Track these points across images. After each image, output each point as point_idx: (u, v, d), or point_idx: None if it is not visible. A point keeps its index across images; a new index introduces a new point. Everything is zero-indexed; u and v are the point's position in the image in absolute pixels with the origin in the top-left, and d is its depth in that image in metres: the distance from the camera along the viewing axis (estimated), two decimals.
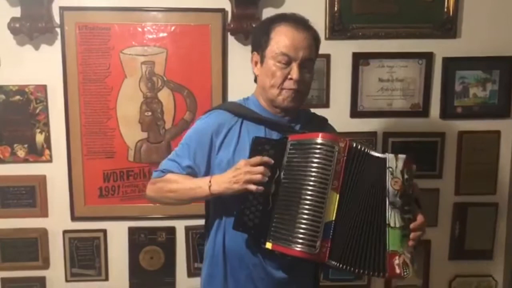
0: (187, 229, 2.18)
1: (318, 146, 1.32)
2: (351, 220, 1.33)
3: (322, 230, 1.30)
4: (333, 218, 1.32)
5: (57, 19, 2.02)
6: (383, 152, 1.45)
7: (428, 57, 2.14)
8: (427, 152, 2.20)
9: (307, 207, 1.31)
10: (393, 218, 1.33)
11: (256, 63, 1.52)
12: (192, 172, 1.51)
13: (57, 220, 2.15)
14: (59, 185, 2.11)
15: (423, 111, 2.18)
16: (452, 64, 2.15)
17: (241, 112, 1.52)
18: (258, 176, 1.34)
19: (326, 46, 2.09)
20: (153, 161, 2.09)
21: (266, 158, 1.37)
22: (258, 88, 1.54)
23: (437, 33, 2.13)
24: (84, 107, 2.07)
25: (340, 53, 2.12)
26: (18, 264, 2.15)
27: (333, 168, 1.32)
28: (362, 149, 1.35)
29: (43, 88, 2.06)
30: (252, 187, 1.34)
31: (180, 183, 1.48)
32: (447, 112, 2.18)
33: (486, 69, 2.17)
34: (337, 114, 2.14)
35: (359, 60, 2.12)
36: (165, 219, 2.17)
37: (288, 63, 1.43)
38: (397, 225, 1.33)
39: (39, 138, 2.09)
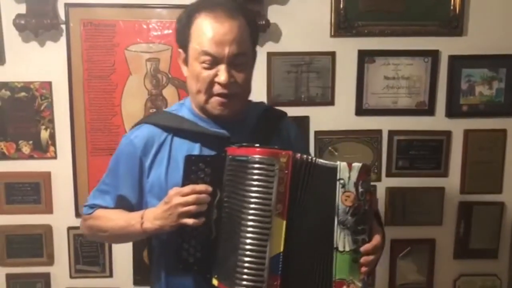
0: None
1: (256, 166, 1.12)
2: (302, 248, 1.15)
3: (268, 266, 1.11)
4: (281, 250, 1.13)
5: (62, 15, 2.02)
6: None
7: (434, 55, 2.12)
8: (433, 150, 2.19)
9: (248, 241, 1.11)
10: (342, 240, 1.13)
11: (183, 62, 1.30)
12: (124, 203, 1.32)
13: (61, 217, 2.15)
14: (63, 181, 2.12)
15: (428, 109, 2.17)
16: (458, 62, 2.14)
17: (171, 125, 1.30)
18: (192, 208, 1.14)
19: (331, 44, 2.10)
20: None
21: (199, 186, 1.16)
22: (189, 93, 1.33)
23: (443, 30, 2.11)
24: (89, 104, 2.07)
25: (345, 50, 2.11)
26: (23, 260, 2.16)
27: (275, 190, 1.11)
28: (309, 160, 1.16)
29: (48, 84, 2.07)
30: (188, 221, 1.15)
31: (110, 221, 1.30)
32: (452, 111, 2.17)
33: (492, 67, 2.15)
34: (342, 112, 2.14)
35: (365, 57, 2.11)
36: None
37: (213, 64, 1.21)
38: (347, 249, 1.14)
39: (44, 134, 2.09)
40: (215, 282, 1.19)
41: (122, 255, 2.19)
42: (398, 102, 2.16)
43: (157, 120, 1.33)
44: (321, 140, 2.14)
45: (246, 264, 1.11)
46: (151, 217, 1.22)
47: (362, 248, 1.15)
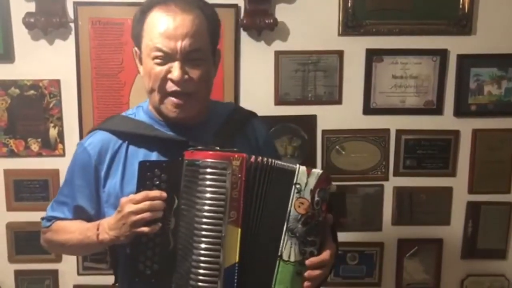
0: None
1: (208, 170, 1.05)
2: (257, 257, 1.08)
3: (222, 278, 1.05)
4: (237, 260, 1.06)
5: (71, 14, 2.03)
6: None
7: (442, 54, 2.11)
8: (441, 150, 2.17)
9: (202, 251, 1.05)
10: (288, 249, 1.06)
11: (139, 61, 1.23)
12: (82, 214, 1.26)
13: None
14: None
15: (436, 109, 2.15)
16: (466, 61, 2.12)
17: (125, 131, 1.23)
18: (146, 215, 1.07)
19: (339, 42, 2.09)
20: None
21: (152, 193, 1.09)
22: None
23: (451, 29, 2.10)
24: (97, 102, 2.08)
25: (353, 49, 2.10)
26: (31, 257, 2.17)
27: (228, 196, 1.04)
28: (265, 162, 1.09)
29: (57, 82, 2.08)
30: (143, 229, 1.08)
31: (67, 234, 1.25)
32: (461, 110, 2.15)
33: (501, 67, 2.13)
34: (350, 111, 2.13)
35: (373, 56, 2.10)
36: None
37: (166, 60, 1.14)
38: (292, 259, 1.06)
39: (53, 132, 2.11)
40: None
41: None
42: (406, 101, 2.15)
43: (111, 126, 1.26)
44: (329, 139, 2.14)
45: (200, 277, 1.05)
46: (106, 228, 1.15)
47: (308, 261, 1.08)
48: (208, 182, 1.05)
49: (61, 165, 2.12)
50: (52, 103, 2.09)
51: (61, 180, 2.11)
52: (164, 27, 1.12)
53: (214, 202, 1.05)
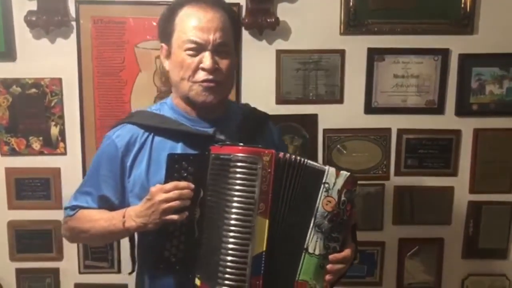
0: None
1: (238, 164, 1.12)
2: (283, 247, 1.15)
3: (250, 266, 1.11)
4: (264, 249, 1.12)
5: (72, 12, 2.03)
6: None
7: (444, 53, 2.11)
8: (442, 149, 2.17)
9: (231, 240, 1.11)
10: (313, 242, 1.14)
11: (165, 56, 1.33)
12: (106, 204, 1.32)
13: None
14: (73, 177, 2.12)
15: (438, 108, 2.15)
16: (468, 61, 2.12)
17: (152, 124, 1.30)
18: (175, 203, 1.14)
19: (340, 41, 2.09)
20: None
21: (181, 183, 1.16)
22: (172, 86, 1.35)
23: (453, 29, 2.10)
24: (98, 100, 2.08)
25: (355, 48, 2.10)
26: (33, 255, 2.18)
27: (257, 189, 1.11)
28: (294, 160, 1.16)
29: (59, 81, 2.08)
30: (172, 217, 1.15)
31: (92, 222, 1.30)
32: (462, 109, 2.15)
33: (503, 66, 2.13)
34: (351, 110, 2.14)
35: (374, 55, 2.10)
36: None
37: (198, 51, 1.24)
38: (316, 252, 1.14)
39: (54, 131, 2.11)
40: (197, 282, 1.18)
41: None
42: (408, 101, 2.15)
43: (138, 120, 1.33)
44: (330, 138, 2.14)
45: (229, 264, 1.11)
46: (133, 215, 1.21)
47: (332, 256, 1.15)
48: (239, 175, 1.11)
49: (62, 163, 2.13)
50: (54, 101, 2.09)
51: (62, 179, 2.14)
52: (197, 21, 1.23)
53: (245, 194, 1.11)
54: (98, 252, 2.19)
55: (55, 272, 2.20)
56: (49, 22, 1.99)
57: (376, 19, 2.07)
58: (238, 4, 2.03)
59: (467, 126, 2.17)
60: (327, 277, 1.16)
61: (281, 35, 2.07)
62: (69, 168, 2.13)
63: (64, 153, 2.12)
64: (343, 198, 1.14)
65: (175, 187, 1.15)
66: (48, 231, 2.16)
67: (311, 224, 1.14)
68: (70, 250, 2.19)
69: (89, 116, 2.09)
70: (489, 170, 2.19)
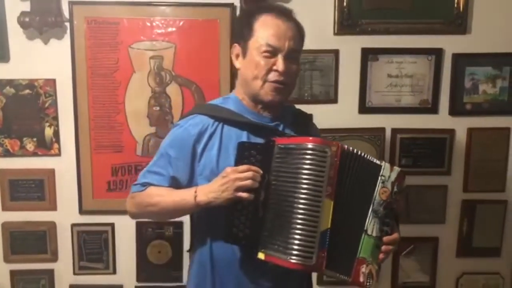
0: None
1: (310, 152, 1.26)
2: (344, 226, 1.30)
3: (318, 240, 1.26)
4: (329, 226, 1.27)
5: (66, 13, 2.02)
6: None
7: (437, 53, 2.12)
8: (436, 148, 2.18)
9: (301, 216, 1.25)
10: (371, 225, 1.31)
11: (237, 55, 1.45)
12: (175, 184, 1.44)
13: (65, 214, 2.16)
14: (67, 178, 2.13)
15: (432, 108, 2.16)
16: (462, 60, 2.13)
17: (221, 115, 1.44)
18: (248, 182, 1.28)
19: (334, 41, 2.10)
20: None
21: (254, 167, 1.30)
22: (240, 82, 1.47)
23: (447, 28, 2.11)
24: (92, 101, 2.08)
25: (349, 48, 2.11)
26: (27, 256, 2.17)
27: (326, 174, 1.26)
28: (356, 152, 1.32)
29: (52, 82, 2.07)
30: (243, 194, 1.29)
31: (162, 196, 1.42)
32: (456, 109, 2.16)
33: (496, 66, 2.15)
34: (345, 110, 2.14)
35: (368, 55, 2.11)
36: None
37: (273, 54, 1.37)
38: (374, 234, 1.31)
39: (48, 131, 2.10)
40: (261, 256, 1.30)
41: (126, 252, 2.20)
42: (402, 100, 2.15)
43: (209, 111, 1.46)
44: (324, 138, 2.13)
45: (299, 237, 1.24)
46: (206, 191, 1.34)
47: (386, 238, 1.33)
48: (310, 161, 1.25)
49: (56, 164, 2.13)
50: (48, 102, 2.09)
51: (57, 180, 2.13)
52: (276, 28, 1.37)
53: (316, 178, 1.25)
54: (93, 253, 2.19)
55: (50, 273, 2.20)
56: (42, 23, 1.99)
57: (369, 19, 2.08)
58: (232, 4, 2.04)
59: (461, 126, 2.18)
60: (381, 255, 1.33)
61: None
62: (63, 169, 2.13)
63: (58, 154, 2.12)
64: (395, 189, 1.31)
65: (248, 169, 1.29)
66: (42, 233, 2.16)
67: (370, 210, 1.31)
68: (65, 251, 2.18)
69: (83, 117, 2.09)
70: (483, 169, 2.21)
